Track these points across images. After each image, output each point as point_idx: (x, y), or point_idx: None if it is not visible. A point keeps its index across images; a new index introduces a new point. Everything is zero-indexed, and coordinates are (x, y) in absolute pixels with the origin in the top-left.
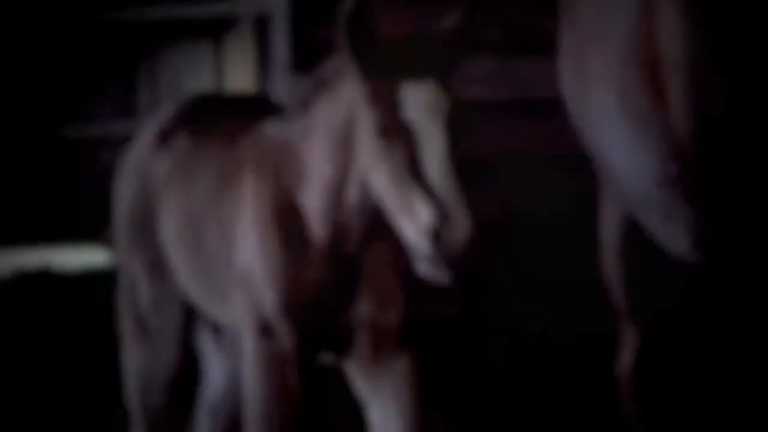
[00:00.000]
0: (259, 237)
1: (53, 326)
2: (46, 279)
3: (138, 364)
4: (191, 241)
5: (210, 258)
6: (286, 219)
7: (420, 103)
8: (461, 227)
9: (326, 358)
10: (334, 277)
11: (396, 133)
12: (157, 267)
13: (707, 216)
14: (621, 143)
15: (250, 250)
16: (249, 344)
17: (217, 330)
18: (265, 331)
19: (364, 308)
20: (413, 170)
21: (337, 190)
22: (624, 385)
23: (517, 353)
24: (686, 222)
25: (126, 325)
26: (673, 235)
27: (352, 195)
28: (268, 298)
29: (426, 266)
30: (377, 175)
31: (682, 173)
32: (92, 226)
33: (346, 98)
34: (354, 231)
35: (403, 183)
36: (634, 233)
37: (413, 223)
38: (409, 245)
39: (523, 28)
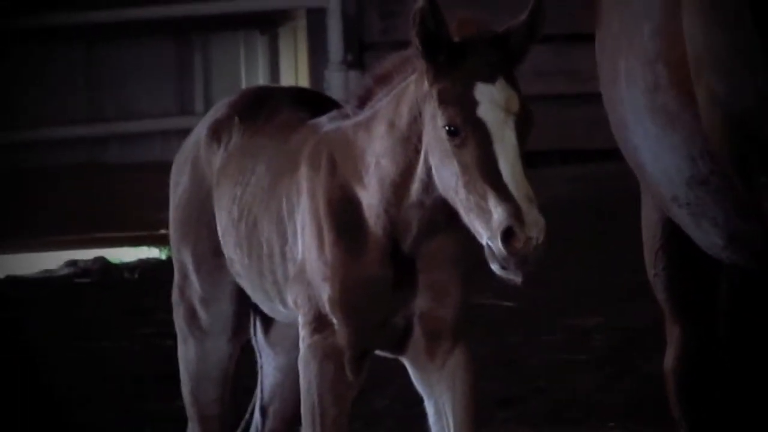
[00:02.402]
0: (316, 231)
1: (110, 318)
2: (100, 268)
3: (191, 358)
4: (246, 233)
5: (265, 250)
6: (343, 213)
7: (492, 102)
8: (534, 228)
9: (383, 352)
10: (390, 272)
11: (468, 132)
12: (210, 261)
13: (738, 215)
14: (650, 143)
15: (306, 243)
16: (304, 338)
17: (270, 325)
18: (320, 325)
19: (419, 304)
20: (486, 170)
21: (398, 187)
22: (669, 382)
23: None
24: (717, 221)
25: (180, 320)
26: (706, 234)
27: (413, 192)
28: (324, 292)
29: (498, 266)
30: (447, 174)
31: (711, 173)
32: (144, 222)
33: (412, 96)
34: (412, 227)
35: (476, 183)
36: (674, 233)
37: (486, 223)
38: (481, 243)
39: (578, 20)
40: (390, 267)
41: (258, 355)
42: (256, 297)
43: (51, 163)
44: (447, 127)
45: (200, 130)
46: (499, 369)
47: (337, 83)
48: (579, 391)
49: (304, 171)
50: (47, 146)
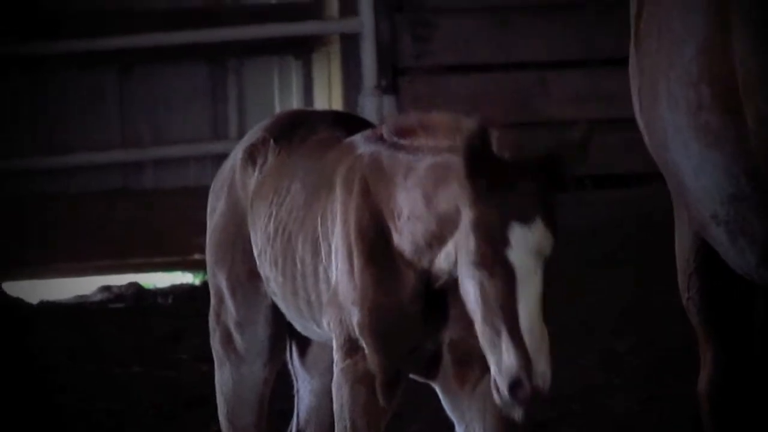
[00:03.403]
0: (346, 255)
1: (144, 343)
2: (134, 293)
3: (227, 383)
4: (282, 251)
5: (299, 269)
6: (374, 239)
7: (525, 247)
8: (541, 379)
9: (414, 377)
10: (420, 300)
11: (495, 271)
12: (246, 284)
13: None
14: (692, 161)
15: (338, 267)
16: (337, 362)
17: (305, 348)
18: (352, 349)
19: (449, 332)
20: (505, 310)
21: (429, 250)
22: (703, 405)
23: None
24: (755, 238)
25: (216, 345)
26: (741, 253)
27: (438, 262)
28: (353, 316)
29: (500, 400)
30: (469, 290)
31: (754, 190)
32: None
33: (452, 192)
34: (443, 275)
35: (493, 318)
36: (708, 257)
37: (496, 361)
38: (492, 385)
39: (607, 45)
40: (420, 295)
41: (294, 378)
42: (290, 315)
43: (85, 190)
44: (475, 259)
45: (236, 154)
46: None
47: (370, 108)
48: (613, 415)
49: (338, 192)
50: (81, 172)
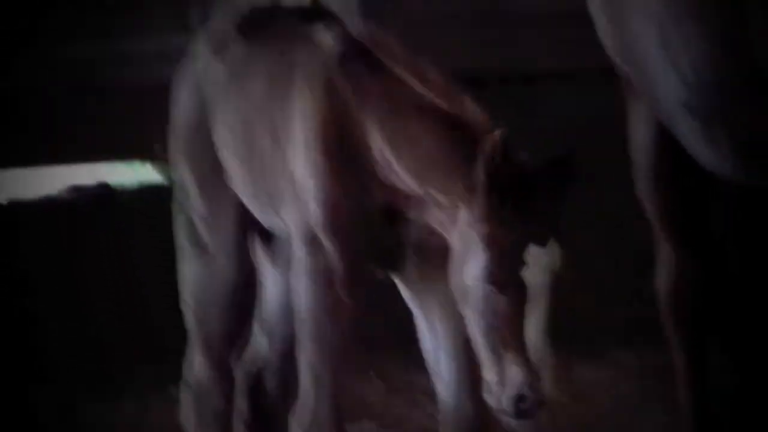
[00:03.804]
0: (310, 150)
1: (111, 242)
2: (104, 195)
3: (194, 278)
4: (245, 148)
5: (263, 165)
6: (339, 138)
7: (539, 266)
8: (540, 395)
9: (376, 273)
10: (384, 198)
11: (509, 289)
12: (212, 179)
13: (746, 131)
14: (669, 51)
15: (300, 162)
16: (299, 256)
17: (271, 244)
18: (313, 244)
19: (411, 232)
20: (516, 328)
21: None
22: (661, 299)
23: None
24: (734, 129)
25: (182, 240)
26: (715, 146)
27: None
28: (316, 212)
29: (497, 406)
30: (472, 315)
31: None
32: (148, 142)
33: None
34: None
35: (500, 331)
36: (665, 153)
37: (497, 371)
38: (486, 382)
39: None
40: (384, 193)
41: (260, 274)
42: (252, 208)
43: (51, 83)
44: (486, 276)
45: (199, 46)
46: None
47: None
48: (573, 311)
49: (303, 88)
50: (48, 65)
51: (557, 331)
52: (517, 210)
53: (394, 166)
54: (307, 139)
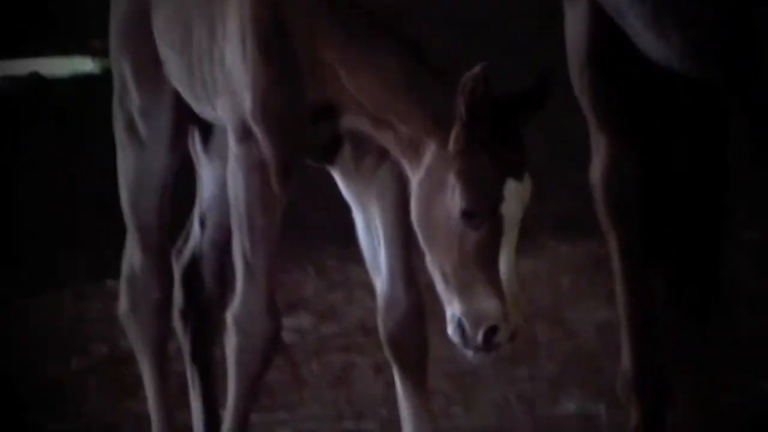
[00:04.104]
0: (242, 40)
1: (45, 131)
2: (37, 84)
3: (130, 170)
4: (180, 32)
5: (195, 50)
6: (277, 29)
7: (515, 199)
8: (512, 327)
9: (311, 164)
10: (323, 99)
11: (485, 223)
12: (150, 70)
13: (697, 21)
14: None
15: (234, 52)
16: (231, 147)
17: (208, 135)
18: (245, 135)
19: (346, 122)
20: (487, 260)
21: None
22: (596, 191)
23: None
24: (686, 20)
25: (119, 131)
26: (664, 37)
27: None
28: (246, 103)
29: (461, 342)
30: (442, 251)
31: None
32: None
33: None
34: None
35: (473, 267)
36: (602, 43)
37: (467, 305)
38: (450, 316)
39: None
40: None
41: (197, 165)
42: (187, 97)
43: None
44: (463, 210)
45: None
46: None
47: None
48: None
49: None
50: None
51: None
52: (495, 143)
53: (348, 83)
54: (243, 29)
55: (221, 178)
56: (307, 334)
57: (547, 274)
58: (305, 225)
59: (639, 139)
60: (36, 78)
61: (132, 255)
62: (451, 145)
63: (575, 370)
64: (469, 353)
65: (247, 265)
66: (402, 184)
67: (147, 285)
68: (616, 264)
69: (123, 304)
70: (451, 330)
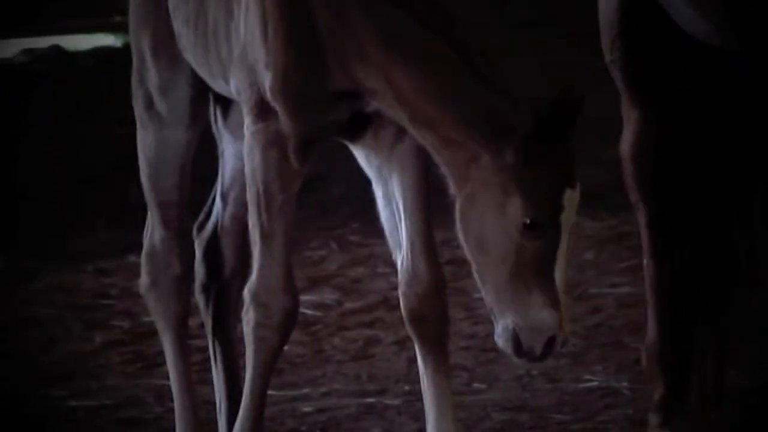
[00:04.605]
0: (260, 17)
1: (67, 106)
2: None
3: (150, 146)
4: (194, 8)
5: (210, 26)
6: (295, 8)
7: (571, 208)
8: (565, 336)
9: (330, 139)
10: (336, 70)
11: (546, 233)
12: (168, 46)
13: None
14: None
15: (248, 27)
16: (248, 125)
17: (229, 111)
18: (263, 112)
19: (377, 105)
20: (545, 270)
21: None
22: (626, 166)
23: None
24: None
25: (139, 107)
26: (701, 7)
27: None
28: (267, 80)
29: (513, 350)
30: (496, 263)
31: None
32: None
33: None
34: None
35: (529, 275)
36: (635, 17)
37: (522, 314)
38: (502, 328)
39: None
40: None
41: (218, 141)
42: (201, 73)
43: None
44: (527, 221)
45: None
46: None
47: None
48: None
49: None
50: None
51: None
52: (554, 154)
53: (389, 82)
54: (264, 6)
55: (240, 152)
56: (330, 310)
57: (571, 249)
58: (327, 201)
59: (670, 112)
60: (57, 51)
61: (153, 231)
62: (510, 158)
63: (598, 346)
64: (521, 361)
65: (265, 241)
66: (421, 159)
67: (168, 261)
68: (644, 237)
69: (144, 280)
70: (503, 341)
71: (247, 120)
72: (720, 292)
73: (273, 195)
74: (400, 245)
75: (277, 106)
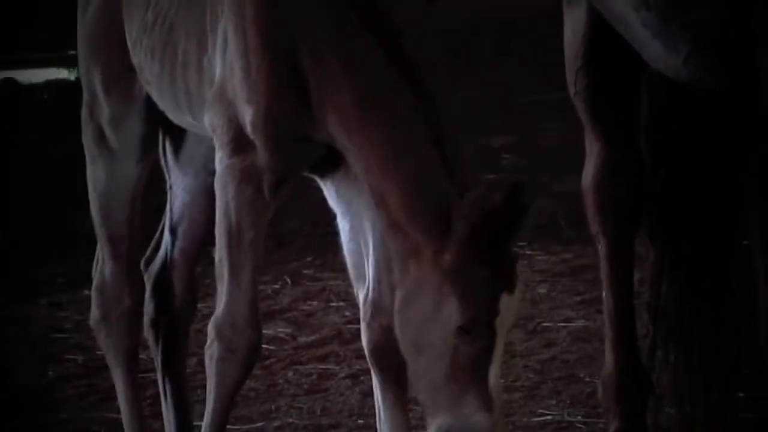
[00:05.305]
0: (241, 51)
1: (22, 140)
2: (11, 90)
3: (100, 179)
4: (160, 40)
5: (180, 59)
6: (275, 39)
7: (509, 313)
8: None
9: (303, 173)
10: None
11: (480, 338)
12: (121, 79)
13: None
14: None
15: (227, 62)
16: (222, 158)
17: (179, 145)
18: (240, 146)
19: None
20: (479, 373)
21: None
22: (588, 196)
23: None
24: (693, 22)
25: (89, 141)
26: (670, 41)
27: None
28: (248, 115)
29: None
30: (431, 362)
31: None
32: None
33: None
34: None
35: (464, 377)
36: (597, 51)
37: (461, 424)
38: (436, 429)
39: None
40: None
41: (167, 175)
42: (164, 106)
43: None
44: (461, 323)
45: None
46: None
47: None
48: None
49: None
50: None
51: None
52: (494, 259)
53: (351, 137)
54: (242, 39)
55: (194, 188)
56: (284, 344)
57: (524, 282)
58: (281, 234)
59: (633, 144)
60: (10, 84)
61: (103, 265)
62: (448, 261)
63: (552, 379)
64: None
65: (233, 275)
66: None
67: (118, 294)
68: (603, 269)
69: (95, 314)
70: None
71: (221, 153)
72: (710, 320)
73: (244, 230)
74: (364, 278)
75: (256, 141)
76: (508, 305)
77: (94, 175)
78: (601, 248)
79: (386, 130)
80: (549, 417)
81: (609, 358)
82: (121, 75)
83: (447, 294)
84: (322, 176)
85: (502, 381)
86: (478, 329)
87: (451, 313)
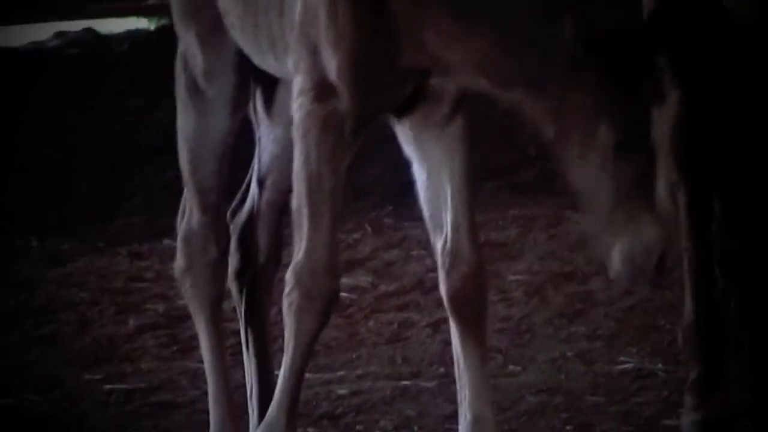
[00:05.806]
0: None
1: (100, 90)
2: (92, 40)
3: (190, 128)
4: None
5: (263, 8)
6: None
7: (665, 126)
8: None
9: (381, 119)
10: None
11: (637, 150)
12: (213, 32)
13: None
14: None
15: (311, 6)
16: (303, 104)
17: (269, 96)
18: (323, 92)
19: (420, 75)
20: (646, 188)
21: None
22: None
23: None
24: None
25: (182, 91)
26: None
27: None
28: (334, 60)
29: (629, 275)
30: (600, 188)
31: None
32: None
33: None
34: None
35: (632, 196)
36: None
37: (635, 239)
38: (616, 254)
39: None
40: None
41: (256, 126)
42: (248, 49)
43: None
44: (615, 140)
45: None
46: (487, 138)
47: None
48: None
49: None
50: None
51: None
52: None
53: (465, 50)
54: None
55: (283, 139)
56: (365, 293)
57: None
58: (362, 183)
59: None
60: (91, 35)
61: (190, 215)
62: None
63: (633, 328)
64: (636, 283)
65: (313, 222)
66: (468, 143)
67: (204, 245)
68: (683, 218)
69: (180, 264)
70: (620, 268)
71: (302, 99)
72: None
73: (324, 176)
74: (441, 227)
75: (341, 86)
76: (662, 118)
77: (185, 126)
78: (681, 197)
79: (494, 23)
80: (629, 365)
81: (688, 307)
82: (214, 27)
83: (599, 115)
84: (400, 121)
85: (583, 329)
86: (633, 142)
87: (606, 132)
